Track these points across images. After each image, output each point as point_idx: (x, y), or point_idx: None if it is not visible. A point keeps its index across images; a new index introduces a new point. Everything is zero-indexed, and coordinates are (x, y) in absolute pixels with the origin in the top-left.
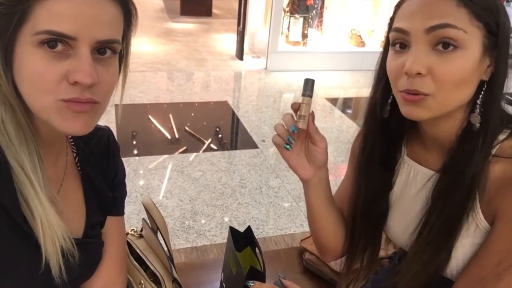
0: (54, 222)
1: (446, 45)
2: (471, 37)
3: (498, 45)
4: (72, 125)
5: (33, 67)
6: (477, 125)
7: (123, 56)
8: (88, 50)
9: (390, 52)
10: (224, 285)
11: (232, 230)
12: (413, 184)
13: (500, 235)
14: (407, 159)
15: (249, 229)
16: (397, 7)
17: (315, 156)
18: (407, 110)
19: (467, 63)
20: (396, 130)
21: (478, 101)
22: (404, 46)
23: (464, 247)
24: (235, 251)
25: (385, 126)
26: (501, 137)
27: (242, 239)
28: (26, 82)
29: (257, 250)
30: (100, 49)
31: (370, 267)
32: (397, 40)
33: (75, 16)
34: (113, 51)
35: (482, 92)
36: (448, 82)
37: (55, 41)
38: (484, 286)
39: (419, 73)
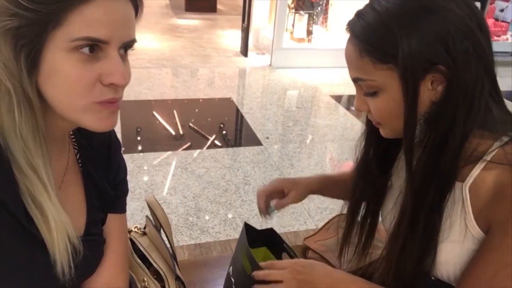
0: (65, 221)
1: (367, 93)
2: (382, 81)
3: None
4: (105, 123)
5: (69, 72)
6: (416, 140)
7: None
8: (117, 52)
9: None
10: (232, 279)
11: (247, 226)
12: (402, 172)
13: (497, 246)
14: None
15: (270, 230)
16: None
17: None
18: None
19: (389, 102)
20: None
21: (420, 120)
22: None
23: (453, 250)
24: (249, 248)
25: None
26: (498, 143)
27: (258, 236)
28: (59, 86)
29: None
30: (121, 49)
31: (364, 249)
32: None
33: (109, 21)
34: (130, 48)
35: (427, 111)
36: (382, 118)
37: (88, 46)
38: None
39: (362, 111)
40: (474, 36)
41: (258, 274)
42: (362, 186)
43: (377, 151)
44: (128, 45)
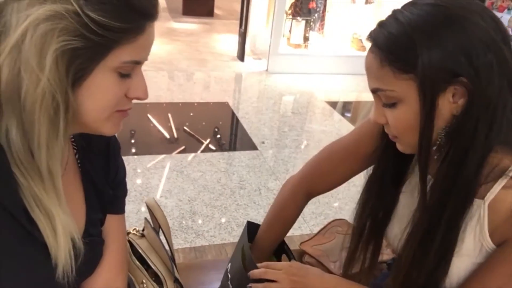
0: (72, 226)
1: (386, 104)
2: (402, 92)
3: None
4: (117, 129)
5: (107, 88)
6: (435, 157)
7: None
8: (141, 68)
9: None
10: (229, 275)
11: (249, 224)
12: (415, 190)
13: (508, 258)
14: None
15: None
16: None
17: None
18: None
19: (409, 113)
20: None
21: (441, 134)
22: None
23: (463, 264)
24: (249, 244)
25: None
26: None
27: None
28: (95, 100)
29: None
30: None
31: (371, 269)
32: None
33: (149, 46)
34: None
35: (448, 126)
36: (401, 130)
37: (129, 68)
38: None
39: (380, 123)
40: (499, 49)
41: (254, 272)
42: (372, 202)
43: (390, 166)
44: None
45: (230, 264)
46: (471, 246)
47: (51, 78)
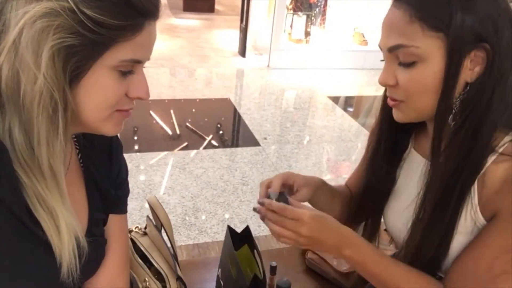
0: (75, 225)
1: (404, 63)
2: (427, 49)
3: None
4: (118, 129)
5: (106, 87)
6: (452, 124)
7: None
8: (142, 69)
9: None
10: (221, 282)
11: (230, 230)
12: (414, 174)
13: (500, 230)
14: (413, 152)
15: (247, 228)
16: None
17: (301, 197)
18: (393, 113)
19: (427, 73)
20: (404, 126)
21: (456, 102)
22: (383, 60)
23: (461, 244)
24: (235, 252)
25: (394, 122)
26: (509, 137)
27: (239, 237)
28: (94, 99)
29: (255, 252)
30: None
31: (371, 239)
32: (383, 56)
33: (150, 45)
34: None
35: (462, 93)
36: (412, 92)
37: (128, 66)
38: (478, 286)
39: (389, 85)
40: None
41: (272, 204)
42: (369, 181)
43: (387, 143)
44: None
45: (220, 270)
46: (465, 223)
47: (47, 76)
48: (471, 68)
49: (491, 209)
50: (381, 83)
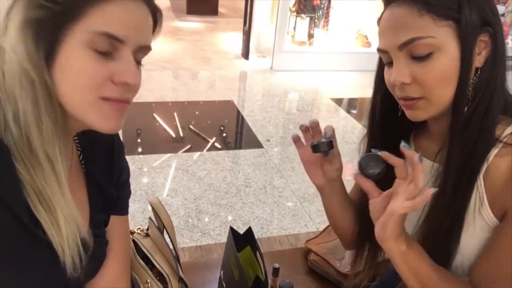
0: (75, 214)
1: (420, 56)
2: (442, 38)
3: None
4: (109, 123)
5: (81, 65)
6: (465, 109)
7: None
8: (132, 54)
9: (385, 68)
10: (224, 284)
11: (233, 231)
12: None
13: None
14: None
15: (249, 230)
16: (377, 22)
17: (328, 171)
18: (409, 114)
19: (446, 62)
20: (403, 128)
21: (470, 87)
22: (389, 62)
23: (472, 243)
24: (237, 253)
25: (389, 126)
26: (509, 130)
27: (242, 239)
28: (70, 79)
29: (258, 254)
30: (136, 55)
31: (374, 257)
32: (384, 60)
33: (127, 21)
34: (144, 56)
35: (474, 79)
36: (433, 84)
37: (104, 43)
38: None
39: (405, 83)
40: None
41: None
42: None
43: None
44: (144, 51)
45: (222, 272)
46: (473, 220)
47: (19, 52)
48: (479, 53)
49: (501, 206)
50: (395, 83)
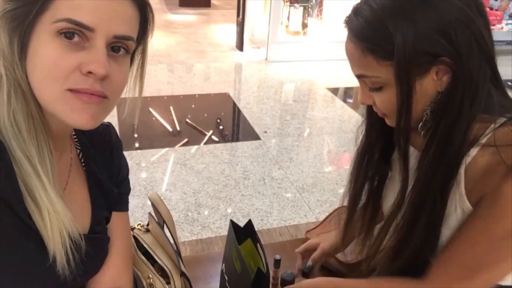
0: (61, 212)
1: (373, 88)
2: (386, 76)
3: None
4: (79, 117)
5: (48, 55)
6: (422, 133)
7: (134, 59)
8: (104, 44)
9: None
10: (226, 277)
11: (233, 224)
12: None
13: (485, 215)
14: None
15: (249, 222)
16: None
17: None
18: (385, 120)
19: (395, 96)
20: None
21: (427, 110)
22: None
23: (448, 235)
24: (238, 247)
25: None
26: (492, 126)
27: (242, 232)
28: (38, 70)
29: (258, 246)
30: (114, 46)
31: (370, 228)
32: None
33: (95, 7)
34: (126, 49)
35: (432, 102)
36: (389, 111)
37: (72, 32)
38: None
39: (368, 104)
40: (475, 24)
41: None
42: (362, 174)
43: (378, 138)
44: (122, 42)
45: (224, 264)
46: (454, 214)
47: None
48: (439, 78)
49: (477, 193)
50: (361, 103)
